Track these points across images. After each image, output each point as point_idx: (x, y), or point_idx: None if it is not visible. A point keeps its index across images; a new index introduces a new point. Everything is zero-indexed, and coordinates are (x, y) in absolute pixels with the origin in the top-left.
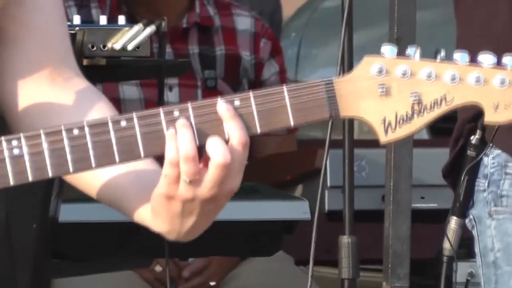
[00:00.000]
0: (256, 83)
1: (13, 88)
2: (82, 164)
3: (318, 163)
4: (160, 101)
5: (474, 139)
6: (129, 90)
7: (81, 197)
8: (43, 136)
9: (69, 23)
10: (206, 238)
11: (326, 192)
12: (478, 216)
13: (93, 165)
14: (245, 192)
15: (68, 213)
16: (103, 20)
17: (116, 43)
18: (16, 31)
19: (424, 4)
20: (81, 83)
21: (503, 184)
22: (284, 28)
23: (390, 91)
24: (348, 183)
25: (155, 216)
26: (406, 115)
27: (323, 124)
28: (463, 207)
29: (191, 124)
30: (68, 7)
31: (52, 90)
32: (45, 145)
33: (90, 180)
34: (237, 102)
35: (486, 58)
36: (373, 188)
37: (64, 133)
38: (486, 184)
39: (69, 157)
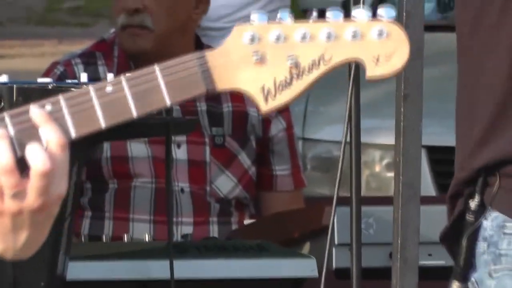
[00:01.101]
0: (264, 140)
1: None
2: None
3: (325, 220)
4: (167, 159)
5: (473, 204)
6: (137, 147)
7: (90, 255)
8: None
9: (76, 81)
10: None
11: (334, 250)
12: (480, 279)
13: None
14: (252, 250)
15: (76, 271)
16: (110, 77)
17: None
18: None
19: (431, 61)
20: None
21: (502, 244)
22: None
23: (265, 58)
24: (356, 241)
25: None
26: (285, 80)
27: (331, 181)
28: (465, 271)
29: (7, 134)
30: (75, 64)
31: None
32: None
33: None
34: (48, 107)
35: (360, 13)
36: (380, 245)
37: None
38: (486, 246)
39: None
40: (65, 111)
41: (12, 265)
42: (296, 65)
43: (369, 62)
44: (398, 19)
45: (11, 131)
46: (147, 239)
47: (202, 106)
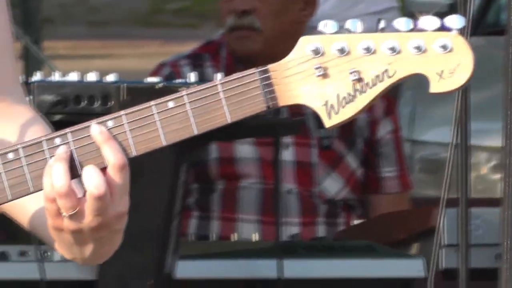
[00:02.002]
0: (371, 142)
1: None
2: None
3: (433, 221)
4: (275, 160)
5: None
6: (245, 149)
7: (198, 254)
8: None
9: (183, 80)
10: None
11: (442, 251)
12: None
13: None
14: (360, 250)
15: (184, 270)
16: (219, 77)
17: None
18: None
19: None
20: (25, 112)
21: None
22: (399, 86)
23: (328, 72)
24: (464, 242)
25: (56, 245)
26: (349, 95)
27: (438, 183)
28: None
29: (67, 155)
30: (182, 66)
31: None
32: None
33: (19, 209)
34: (109, 123)
35: (427, 22)
36: (488, 246)
37: None
38: None
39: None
40: (127, 127)
41: (120, 263)
42: (360, 80)
43: (432, 77)
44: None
45: (72, 149)
46: (255, 239)
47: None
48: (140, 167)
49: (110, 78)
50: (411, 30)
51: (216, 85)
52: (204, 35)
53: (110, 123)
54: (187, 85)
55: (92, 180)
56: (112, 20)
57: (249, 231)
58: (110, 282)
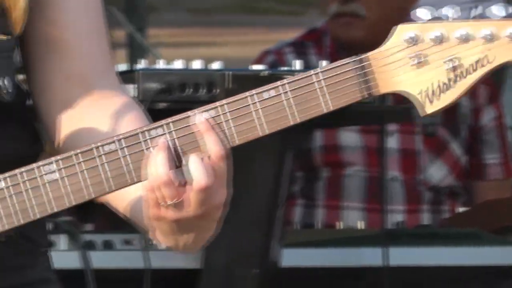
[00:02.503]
0: (475, 129)
1: (50, 99)
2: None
3: None
4: (380, 148)
5: None
6: (349, 136)
7: (303, 242)
8: (74, 157)
9: (288, 68)
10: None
11: None
12: None
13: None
14: (466, 238)
15: (290, 258)
16: (323, 64)
17: None
18: (56, 36)
19: None
20: (118, 98)
21: None
22: (502, 73)
23: (424, 60)
24: None
25: (153, 234)
26: (446, 82)
27: None
28: None
29: (168, 145)
30: (287, 53)
31: (89, 105)
32: (79, 166)
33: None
34: (211, 112)
35: (500, 10)
36: None
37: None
38: None
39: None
40: (228, 116)
41: (226, 252)
42: (456, 67)
43: None
44: None
45: (174, 139)
46: (360, 227)
47: None
48: (245, 156)
49: (215, 65)
50: (505, 18)
51: (316, 73)
52: (307, 23)
53: (212, 113)
54: (292, 72)
55: (198, 170)
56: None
57: (354, 218)
58: (216, 271)
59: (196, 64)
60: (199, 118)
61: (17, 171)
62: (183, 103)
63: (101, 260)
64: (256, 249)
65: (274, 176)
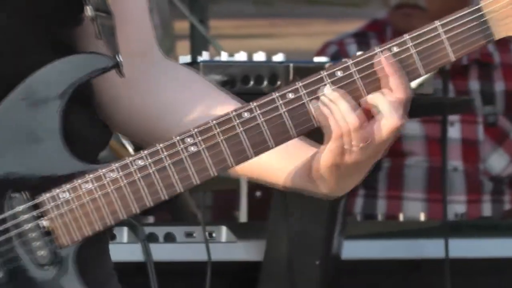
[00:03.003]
0: None
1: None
2: (260, 148)
3: None
4: (443, 139)
5: None
6: (411, 126)
7: (364, 234)
8: (214, 127)
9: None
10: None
11: None
12: None
13: (270, 146)
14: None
15: (351, 250)
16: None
17: None
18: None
19: None
20: (175, 65)
21: None
22: None
23: None
24: None
25: (319, 182)
26: None
27: None
28: None
29: (345, 93)
30: (348, 44)
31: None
32: (219, 136)
33: None
34: (394, 48)
35: None
36: None
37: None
38: None
39: (247, 142)
40: (413, 49)
41: (287, 243)
42: None
43: None
44: None
45: (358, 80)
46: (422, 218)
47: (475, 85)
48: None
49: (278, 58)
50: None
51: (436, 26)
52: (368, 14)
53: (395, 49)
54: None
55: (391, 113)
56: None
57: (416, 209)
58: (277, 262)
59: (259, 56)
60: (384, 60)
61: (158, 146)
62: (246, 95)
63: (162, 252)
64: (318, 240)
65: None
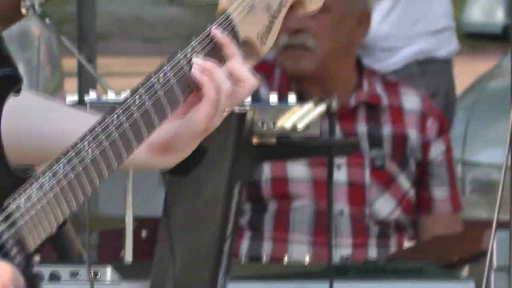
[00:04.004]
0: (424, 163)
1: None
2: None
3: (484, 244)
4: (329, 180)
5: None
6: (298, 168)
7: (249, 275)
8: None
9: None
10: None
11: (493, 273)
12: None
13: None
14: (412, 272)
15: None
16: (273, 98)
17: (286, 121)
18: None
19: None
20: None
21: None
22: (453, 105)
23: (255, 6)
24: None
25: (163, 155)
26: (269, 24)
27: (490, 204)
28: None
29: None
30: None
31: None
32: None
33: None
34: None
35: None
36: None
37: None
38: None
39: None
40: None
41: (172, 284)
42: (271, 9)
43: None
44: None
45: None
46: (307, 261)
47: (362, 128)
48: (195, 188)
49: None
50: None
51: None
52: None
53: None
54: (243, 105)
55: (248, 74)
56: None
57: (301, 252)
58: None
59: None
60: (217, 32)
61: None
62: None
63: None
64: (203, 282)
65: (222, 208)
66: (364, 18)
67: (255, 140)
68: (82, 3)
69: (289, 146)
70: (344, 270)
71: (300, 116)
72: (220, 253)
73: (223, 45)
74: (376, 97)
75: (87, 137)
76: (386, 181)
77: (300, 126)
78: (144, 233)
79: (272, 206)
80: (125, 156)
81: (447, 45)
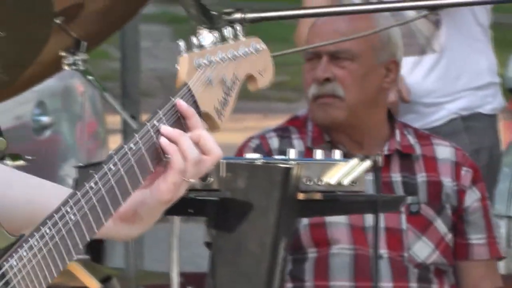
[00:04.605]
0: (459, 210)
1: None
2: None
3: None
4: (376, 234)
5: None
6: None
7: None
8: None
9: (284, 156)
10: None
11: None
12: None
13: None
14: None
15: None
16: (319, 154)
17: (332, 177)
18: None
19: None
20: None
21: None
22: (498, 162)
23: (212, 80)
24: None
25: (129, 224)
26: (224, 98)
27: None
28: None
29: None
30: (270, 138)
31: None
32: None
33: None
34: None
35: (229, 31)
36: None
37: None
38: None
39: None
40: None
41: None
42: (226, 84)
43: (257, 76)
44: None
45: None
46: None
47: (397, 177)
48: (240, 243)
49: None
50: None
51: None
52: (300, 108)
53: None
54: (288, 160)
55: (214, 143)
56: None
57: None
58: None
59: None
60: (182, 104)
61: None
62: None
63: None
64: None
65: (268, 265)
66: (392, 66)
67: (300, 196)
68: (126, 60)
69: (335, 202)
70: None
71: (345, 172)
72: None
73: (187, 116)
74: (409, 147)
75: (69, 203)
76: (423, 226)
77: (346, 182)
78: None
79: (311, 254)
80: (104, 220)
81: (492, 101)
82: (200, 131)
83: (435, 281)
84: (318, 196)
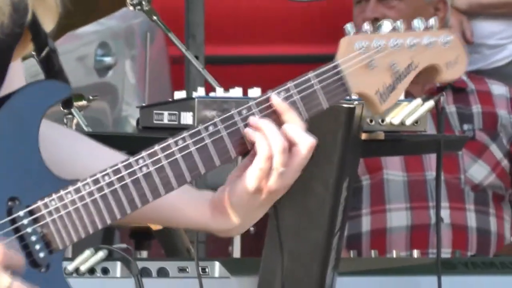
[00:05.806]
0: None
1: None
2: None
3: None
4: (437, 174)
5: None
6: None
7: (358, 270)
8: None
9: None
10: None
11: None
12: None
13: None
14: None
15: (344, 286)
16: None
17: (395, 117)
18: None
19: None
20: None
21: None
22: None
23: (375, 64)
24: None
25: (223, 216)
26: (392, 83)
27: None
28: None
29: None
30: None
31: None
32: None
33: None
34: (282, 94)
35: (420, 23)
36: None
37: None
38: None
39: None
40: (296, 97)
41: (280, 280)
42: (397, 70)
43: (443, 67)
44: None
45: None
46: (415, 255)
47: (451, 108)
48: (305, 183)
49: None
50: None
51: (309, 77)
52: None
53: (282, 94)
54: (352, 101)
55: (303, 132)
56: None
57: (400, 220)
58: None
59: (253, 92)
60: (277, 99)
61: (155, 147)
62: None
63: (155, 287)
64: (311, 277)
65: (331, 205)
66: (441, 5)
67: (363, 136)
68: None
69: (397, 141)
70: (452, 264)
71: (408, 112)
72: (328, 249)
73: (280, 112)
74: (462, 82)
75: (142, 155)
76: (478, 150)
77: (408, 122)
78: (252, 229)
79: (365, 182)
80: (176, 184)
81: None
82: (291, 124)
83: (492, 206)
84: (381, 136)
